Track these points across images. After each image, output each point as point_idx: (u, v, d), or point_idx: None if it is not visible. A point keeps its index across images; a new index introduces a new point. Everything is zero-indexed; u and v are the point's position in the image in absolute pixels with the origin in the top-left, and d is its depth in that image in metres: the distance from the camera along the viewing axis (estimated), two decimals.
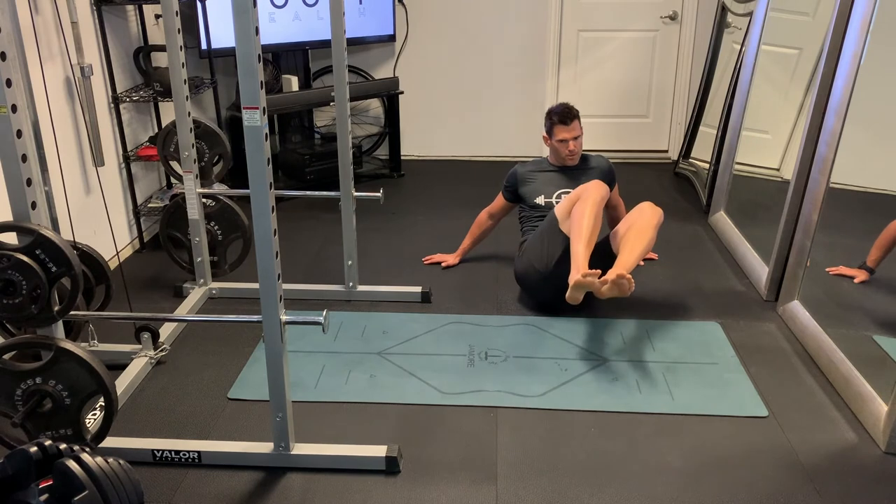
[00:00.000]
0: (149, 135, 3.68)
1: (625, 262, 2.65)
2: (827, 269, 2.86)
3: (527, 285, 3.01)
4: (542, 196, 3.10)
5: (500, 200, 3.29)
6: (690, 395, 2.41)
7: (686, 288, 3.18)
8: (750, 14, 3.68)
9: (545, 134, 3.17)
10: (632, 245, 2.72)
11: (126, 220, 3.53)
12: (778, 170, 3.50)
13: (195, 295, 2.98)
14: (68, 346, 1.84)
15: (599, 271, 2.53)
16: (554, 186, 3.11)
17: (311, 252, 3.56)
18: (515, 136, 5.00)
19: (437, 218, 3.99)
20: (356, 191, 2.95)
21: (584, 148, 3.20)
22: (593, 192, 2.77)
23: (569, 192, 3.06)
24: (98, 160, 3.17)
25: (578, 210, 2.75)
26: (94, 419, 2.20)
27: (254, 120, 1.70)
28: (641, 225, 2.78)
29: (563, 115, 3.08)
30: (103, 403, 1.91)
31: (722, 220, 3.75)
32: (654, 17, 4.76)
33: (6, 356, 1.87)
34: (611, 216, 3.36)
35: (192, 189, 2.85)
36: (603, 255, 2.83)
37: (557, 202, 3.05)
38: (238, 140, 3.77)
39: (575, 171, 3.15)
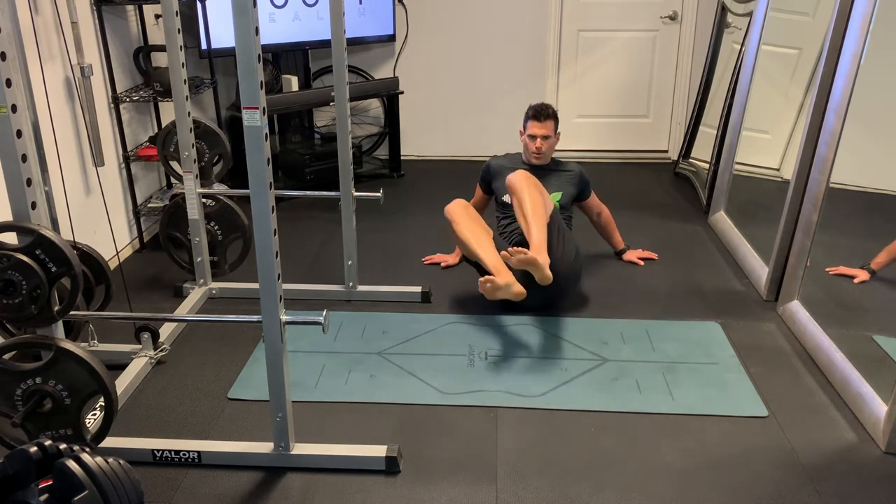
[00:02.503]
0: (149, 135, 3.68)
1: (536, 241, 2.65)
2: (827, 269, 2.86)
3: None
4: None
5: (478, 192, 3.35)
6: (690, 395, 2.41)
7: (686, 288, 3.18)
8: (750, 14, 3.67)
9: (521, 129, 3.18)
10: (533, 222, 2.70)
11: (126, 220, 3.52)
12: (778, 170, 3.50)
13: (195, 295, 2.98)
14: (68, 346, 1.84)
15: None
16: None
17: (311, 252, 3.56)
18: (515, 136, 4.96)
19: (437, 218, 3.96)
20: (356, 191, 2.95)
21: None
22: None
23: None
24: (98, 160, 3.17)
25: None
26: (94, 419, 2.20)
27: (254, 120, 1.70)
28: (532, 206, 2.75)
29: (538, 111, 3.11)
30: (103, 403, 1.91)
31: (722, 220, 3.75)
32: (654, 17, 4.75)
33: (6, 356, 1.87)
34: (594, 223, 3.39)
35: (192, 189, 2.85)
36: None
37: None
38: (238, 140, 3.76)
39: (547, 170, 3.17)
